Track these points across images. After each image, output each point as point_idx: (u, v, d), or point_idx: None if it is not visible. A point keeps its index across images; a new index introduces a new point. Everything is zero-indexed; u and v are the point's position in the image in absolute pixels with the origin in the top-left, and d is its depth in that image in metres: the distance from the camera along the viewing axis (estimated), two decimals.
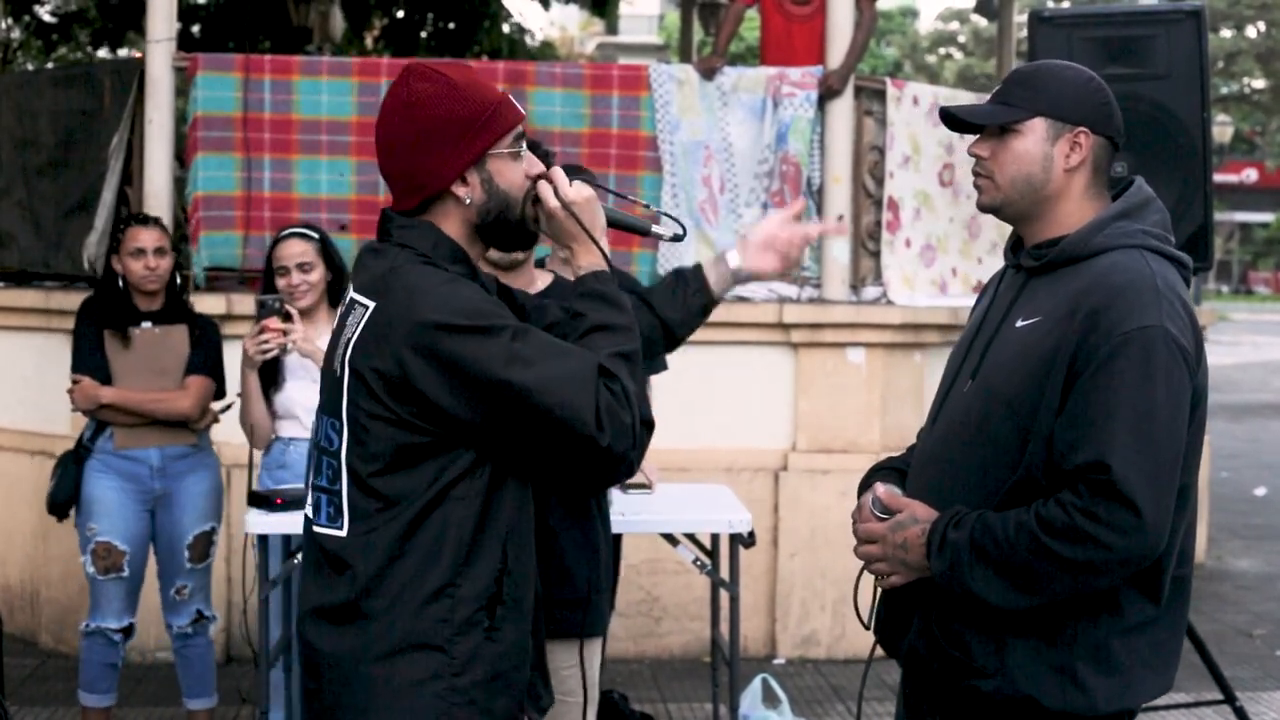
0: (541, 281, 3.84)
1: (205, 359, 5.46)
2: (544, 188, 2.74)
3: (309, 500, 2.76)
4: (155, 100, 7.15)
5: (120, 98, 7.34)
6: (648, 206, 3.39)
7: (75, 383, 5.43)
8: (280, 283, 5.19)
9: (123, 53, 14.37)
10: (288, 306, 5.08)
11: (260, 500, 4.94)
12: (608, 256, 2.77)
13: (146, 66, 7.19)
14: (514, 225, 2.75)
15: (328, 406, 2.72)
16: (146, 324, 5.50)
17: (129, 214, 5.93)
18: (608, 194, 3.25)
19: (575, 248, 2.77)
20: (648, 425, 3.72)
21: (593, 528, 3.82)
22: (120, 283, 5.49)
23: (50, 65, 15.57)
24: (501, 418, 2.56)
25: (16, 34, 15.59)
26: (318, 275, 5.22)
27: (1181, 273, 2.82)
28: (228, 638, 6.71)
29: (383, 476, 2.62)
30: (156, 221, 5.67)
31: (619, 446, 2.58)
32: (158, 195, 7.12)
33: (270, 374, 5.19)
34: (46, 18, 15.31)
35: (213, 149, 7.13)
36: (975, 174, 2.92)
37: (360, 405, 2.63)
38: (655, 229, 3.04)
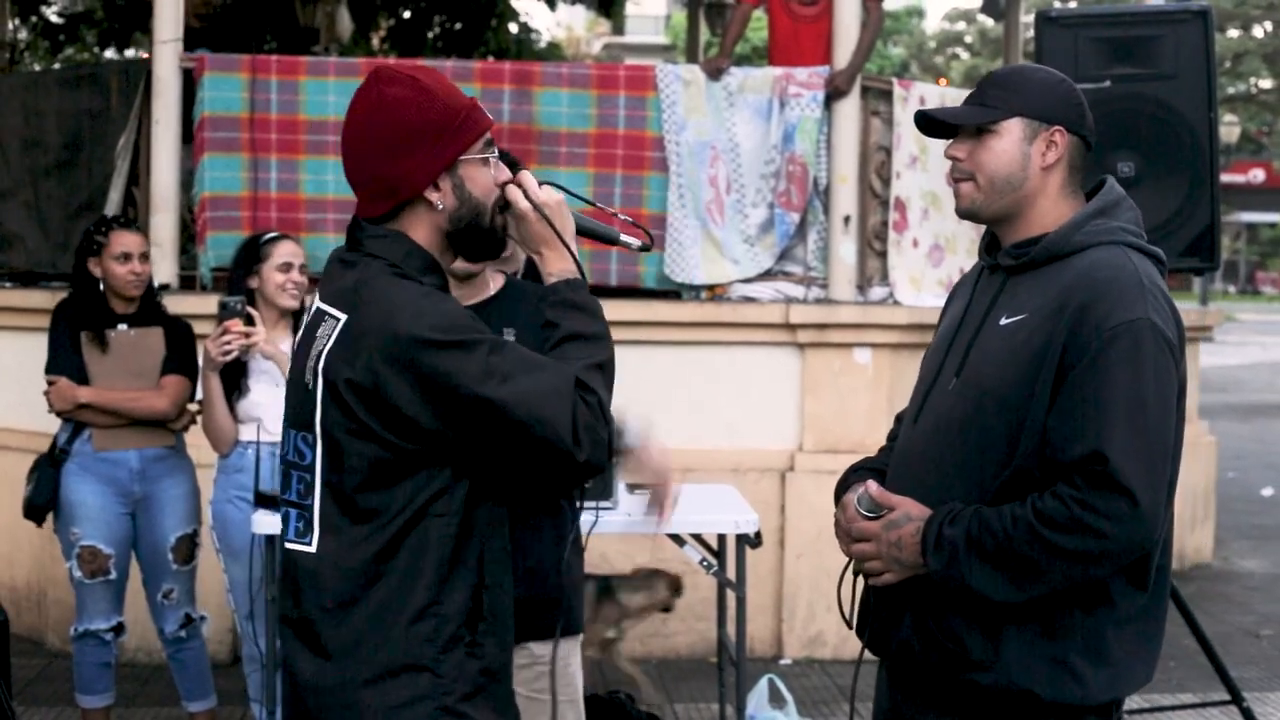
0: (495, 284, 3.75)
1: (181, 359, 5.45)
2: (513, 191, 2.71)
3: (280, 515, 2.74)
4: (162, 101, 7.17)
5: (127, 98, 7.35)
6: (615, 214, 3.38)
7: (51, 383, 5.43)
8: (280, 277, 5.20)
9: (130, 53, 14.38)
10: (249, 309, 5.10)
11: (267, 500, 4.94)
12: (579, 262, 2.73)
13: (153, 67, 7.21)
14: (484, 232, 2.71)
15: (296, 420, 2.68)
16: (123, 326, 5.49)
17: (104, 217, 5.89)
18: (577, 200, 3.23)
19: (546, 252, 2.73)
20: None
21: (565, 524, 3.76)
22: (99, 285, 5.48)
23: (57, 66, 15.59)
24: (478, 433, 2.52)
25: (24, 35, 15.60)
26: (305, 280, 5.24)
27: (1159, 267, 2.87)
28: (234, 638, 6.71)
29: (359, 492, 2.58)
30: (136, 225, 5.67)
31: (595, 459, 2.54)
32: (164, 196, 7.13)
33: (234, 378, 5.19)
34: (53, 18, 15.33)
35: (219, 149, 7.14)
36: (955, 178, 2.95)
37: (334, 418, 2.59)
38: (624, 238, 2.99)
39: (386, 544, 2.58)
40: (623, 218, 3.23)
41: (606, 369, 2.64)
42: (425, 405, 2.51)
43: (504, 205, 2.72)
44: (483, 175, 2.69)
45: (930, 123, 2.95)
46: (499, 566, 2.70)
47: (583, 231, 2.90)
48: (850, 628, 3.05)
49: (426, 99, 2.63)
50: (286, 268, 5.22)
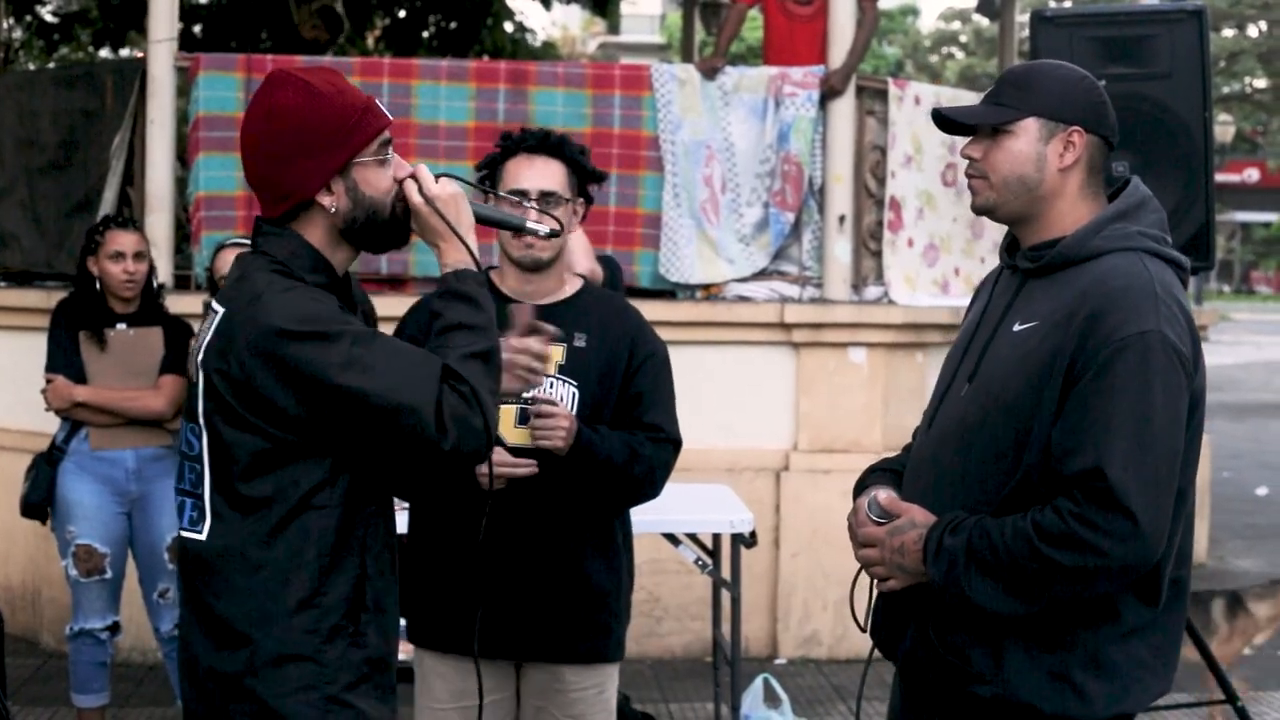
0: (571, 286, 3.69)
1: (179, 359, 5.44)
2: (408, 186, 2.73)
3: (177, 504, 2.78)
4: (157, 100, 7.16)
5: (122, 98, 7.35)
6: (521, 202, 3.38)
7: (49, 382, 5.43)
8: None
9: (124, 53, 14.37)
10: None
11: None
12: (474, 254, 2.75)
13: (148, 66, 7.21)
14: (382, 227, 2.74)
15: (187, 411, 2.74)
16: (121, 326, 5.50)
17: (106, 216, 5.92)
18: (484, 192, 3.24)
19: (441, 245, 2.75)
20: (672, 444, 3.63)
21: (616, 553, 3.69)
22: (96, 285, 5.49)
23: (52, 65, 15.56)
24: (343, 422, 2.58)
25: (18, 34, 15.58)
26: None
27: (1179, 274, 2.79)
28: None
29: (241, 481, 2.63)
30: (135, 225, 5.67)
31: (466, 447, 2.57)
32: (159, 195, 7.13)
33: None
34: (48, 18, 15.30)
35: (214, 149, 7.13)
36: (969, 176, 2.90)
37: (212, 409, 2.65)
38: (530, 224, 3.03)
39: (268, 534, 2.63)
40: (527, 204, 3.24)
41: (487, 358, 2.65)
42: (291, 395, 2.57)
43: (402, 200, 2.75)
44: (378, 176, 2.72)
45: (948, 119, 2.90)
46: (382, 558, 2.75)
47: (487, 221, 2.93)
48: (863, 630, 3.02)
49: (315, 104, 2.65)
50: (225, 281, 5.20)
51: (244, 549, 2.64)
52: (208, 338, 2.68)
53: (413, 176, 2.75)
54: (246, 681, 2.63)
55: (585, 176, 3.65)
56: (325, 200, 2.68)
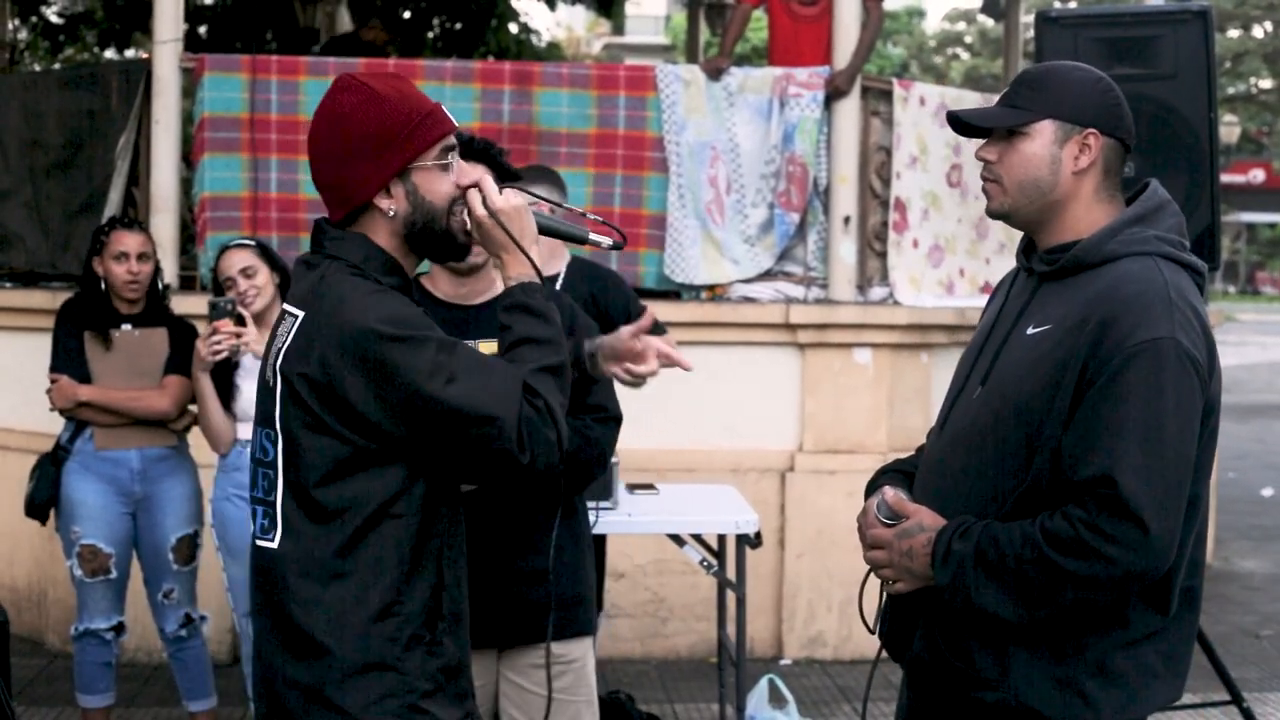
0: (502, 285, 3.76)
1: (184, 360, 5.43)
2: (472, 196, 2.74)
3: (250, 511, 2.78)
4: (162, 101, 7.17)
5: (127, 98, 7.35)
6: (585, 214, 3.39)
7: (54, 382, 5.43)
8: (230, 295, 5.19)
9: (130, 54, 14.38)
10: (240, 309, 5.11)
11: None
12: (538, 267, 2.76)
13: (153, 67, 7.21)
14: (439, 236, 2.75)
15: (261, 417, 2.73)
16: (126, 326, 5.51)
17: (112, 217, 5.94)
18: (547, 203, 3.25)
19: (505, 257, 2.77)
20: (615, 421, 3.69)
21: (581, 526, 3.79)
22: (102, 285, 5.49)
23: (57, 66, 15.58)
24: (423, 429, 2.57)
25: (24, 35, 15.59)
26: (263, 278, 5.22)
27: (1195, 279, 2.77)
28: (234, 638, 6.71)
29: (318, 489, 2.62)
30: (140, 226, 5.68)
31: (541, 462, 2.57)
32: (164, 196, 7.13)
33: (225, 377, 5.20)
34: (53, 18, 15.32)
35: (219, 150, 7.14)
36: (984, 178, 2.87)
37: (292, 414, 2.64)
38: (594, 237, 3.02)
39: (346, 542, 2.62)
40: (593, 217, 3.24)
41: (558, 372, 2.67)
42: (374, 398, 2.56)
43: (464, 209, 2.76)
44: (438, 181, 2.73)
45: (963, 122, 2.87)
46: (456, 566, 2.75)
47: (549, 232, 2.94)
48: (872, 632, 3.00)
49: (376, 107, 2.67)
50: (231, 283, 5.21)
51: (321, 558, 2.63)
52: (287, 341, 2.66)
53: (476, 186, 2.75)
54: (327, 691, 2.63)
55: (507, 177, 3.68)
56: (384, 204, 2.70)
